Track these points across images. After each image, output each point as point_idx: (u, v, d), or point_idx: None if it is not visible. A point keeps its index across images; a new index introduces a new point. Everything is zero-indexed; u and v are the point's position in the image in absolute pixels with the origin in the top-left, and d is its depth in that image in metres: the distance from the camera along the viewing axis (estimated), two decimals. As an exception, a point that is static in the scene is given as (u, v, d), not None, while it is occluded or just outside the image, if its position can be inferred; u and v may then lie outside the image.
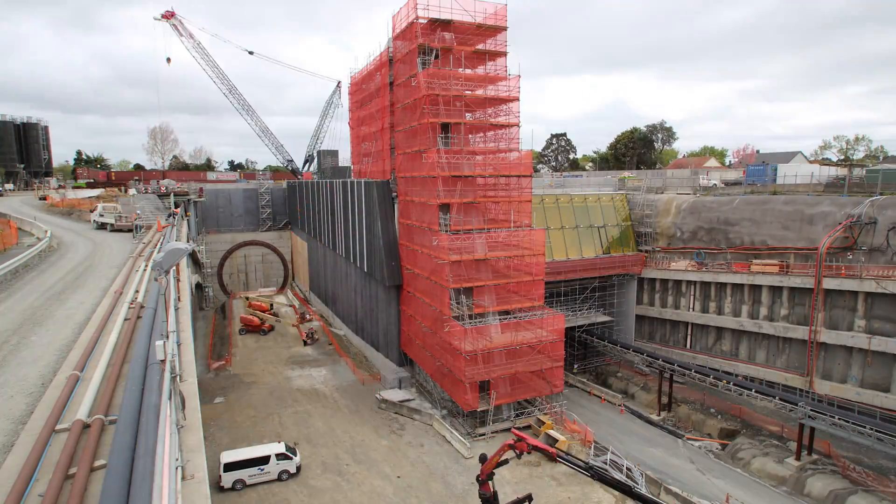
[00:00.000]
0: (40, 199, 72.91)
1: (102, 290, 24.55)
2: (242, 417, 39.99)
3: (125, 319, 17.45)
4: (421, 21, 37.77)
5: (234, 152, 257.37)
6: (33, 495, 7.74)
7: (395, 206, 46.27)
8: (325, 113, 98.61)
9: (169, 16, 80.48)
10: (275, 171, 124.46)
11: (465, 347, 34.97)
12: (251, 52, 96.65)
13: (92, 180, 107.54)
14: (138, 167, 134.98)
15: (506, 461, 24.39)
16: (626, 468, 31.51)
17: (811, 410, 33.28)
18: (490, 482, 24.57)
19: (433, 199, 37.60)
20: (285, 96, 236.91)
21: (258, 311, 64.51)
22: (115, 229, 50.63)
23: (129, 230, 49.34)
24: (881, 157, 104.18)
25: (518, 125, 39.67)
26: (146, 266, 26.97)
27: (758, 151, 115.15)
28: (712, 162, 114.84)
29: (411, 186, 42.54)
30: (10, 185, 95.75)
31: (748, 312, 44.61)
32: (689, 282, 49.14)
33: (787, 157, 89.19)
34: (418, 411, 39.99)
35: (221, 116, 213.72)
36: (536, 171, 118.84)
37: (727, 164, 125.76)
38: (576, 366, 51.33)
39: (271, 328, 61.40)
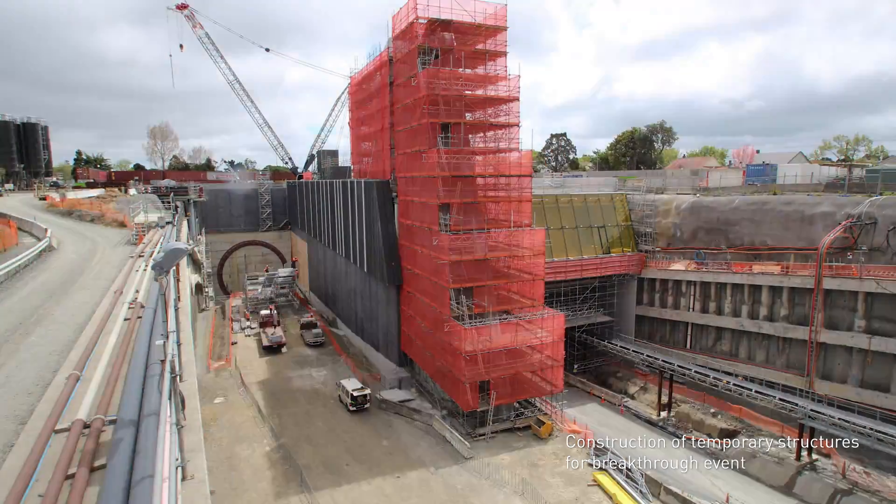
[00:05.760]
0: (40, 199, 72.89)
1: (102, 290, 24.51)
2: (242, 418, 39.98)
3: (125, 319, 17.43)
4: (421, 21, 37.77)
5: (233, 153, 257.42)
6: (33, 495, 7.73)
7: (395, 206, 46.26)
8: (333, 110, 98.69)
9: (182, 7, 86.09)
10: (275, 172, 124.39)
11: (465, 348, 34.97)
12: (267, 49, 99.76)
13: (92, 180, 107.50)
14: (138, 167, 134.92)
15: None
16: (627, 468, 31.51)
17: (811, 410, 33.30)
18: None
19: (433, 199, 37.59)
20: (291, 99, 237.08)
21: None
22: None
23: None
24: (881, 157, 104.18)
25: (518, 125, 39.67)
26: (146, 266, 26.95)
27: (758, 151, 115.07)
28: (712, 162, 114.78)
29: (411, 186, 42.54)
30: (9, 186, 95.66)
31: (748, 312, 44.61)
32: (689, 282, 49.14)
33: (787, 157, 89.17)
34: (418, 411, 39.98)
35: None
36: (536, 171, 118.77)
37: (727, 164, 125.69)
38: (576, 366, 51.31)
39: None
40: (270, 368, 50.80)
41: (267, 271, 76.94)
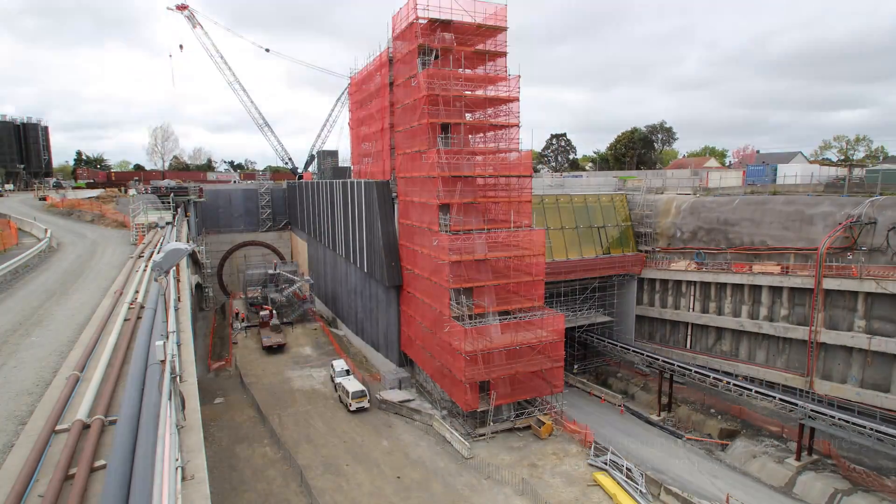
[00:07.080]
0: (40, 199, 72.91)
1: (102, 290, 24.54)
2: (242, 418, 39.99)
3: (125, 320, 17.45)
4: (421, 21, 37.77)
5: (234, 152, 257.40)
6: (33, 496, 7.74)
7: (395, 206, 46.27)
8: (333, 111, 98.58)
9: (182, 8, 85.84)
10: (275, 172, 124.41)
11: (465, 348, 34.97)
12: (267, 50, 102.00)
13: (92, 181, 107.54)
14: (138, 167, 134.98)
15: None
16: (627, 468, 31.51)
17: (811, 410, 33.29)
18: None
19: (433, 199, 37.60)
20: (290, 101, 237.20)
21: None
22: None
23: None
24: (881, 157, 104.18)
25: (518, 125, 39.68)
26: (146, 266, 26.97)
27: (758, 151, 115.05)
28: (712, 162, 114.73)
29: (411, 187, 42.54)
30: (9, 186, 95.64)
31: (748, 313, 44.59)
32: (689, 282, 49.13)
33: (787, 157, 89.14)
34: (418, 411, 39.99)
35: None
36: (536, 171, 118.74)
37: (727, 164, 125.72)
38: (576, 366, 51.33)
39: None
40: (270, 368, 50.81)
41: (275, 266, 75.58)
